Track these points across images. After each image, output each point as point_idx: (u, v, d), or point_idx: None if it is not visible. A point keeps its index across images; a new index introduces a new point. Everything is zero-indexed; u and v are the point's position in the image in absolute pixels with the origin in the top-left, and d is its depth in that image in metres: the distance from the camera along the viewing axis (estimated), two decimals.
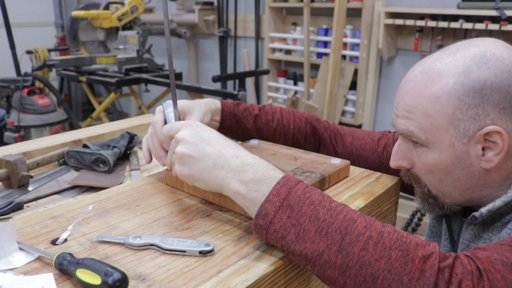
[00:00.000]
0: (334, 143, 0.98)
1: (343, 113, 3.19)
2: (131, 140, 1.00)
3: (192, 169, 0.65)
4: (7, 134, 3.11)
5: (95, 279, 0.50)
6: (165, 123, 0.79)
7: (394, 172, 0.84)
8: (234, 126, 0.92)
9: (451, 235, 0.81)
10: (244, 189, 0.60)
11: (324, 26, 3.22)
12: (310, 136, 0.97)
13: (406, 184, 0.81)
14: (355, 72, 3.03)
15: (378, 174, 0.86)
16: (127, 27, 3.45)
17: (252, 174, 0.60)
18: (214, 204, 0.73)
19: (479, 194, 0.71)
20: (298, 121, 0.96)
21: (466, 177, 0.69)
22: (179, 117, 0.80)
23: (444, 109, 0.66)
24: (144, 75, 3.15)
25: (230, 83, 3.98)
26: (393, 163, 0.76)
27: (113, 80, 3.06)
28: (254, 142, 0.96)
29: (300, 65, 3.39)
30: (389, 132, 0.97)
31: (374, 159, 0.94)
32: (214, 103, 0.89)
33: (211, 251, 0.58)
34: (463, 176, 0.69)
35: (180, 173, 0.66)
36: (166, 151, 0.77)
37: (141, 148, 1.10)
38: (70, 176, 0.90)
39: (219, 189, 0.64)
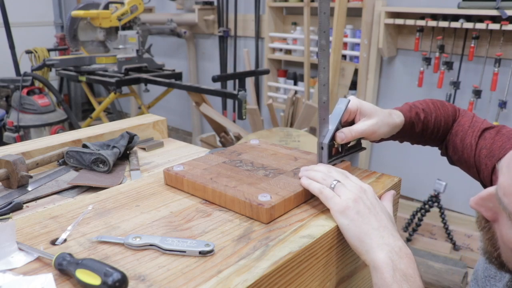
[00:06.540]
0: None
1: None
2: (131, 140, 1.00)
3: (354, 209, 0.65)
4: (6, 134, 3.11)
5: (95, 280, 0.50)
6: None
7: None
8: (406, 132, 0.90)
9: None
10: (389, 272, 0.60)
11: None
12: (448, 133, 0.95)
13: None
14: (355, 72, 3.02)
15: (378, 174, 0.85)
16: (127, 26, 3.45)
17: (405, 266, 0.60)
18: (214, 204, 0.73)
19: None
20: (442, 117, 0.93)
21: None
22: (349, 115, 0.82)
23: None
24: (144, 75, 3.15)
25: (230, 83, 3.98)
26: (473, 205, 0.62)
27: (112, 80, 3.06)
28: (254, 142, 0.96)
29: (300, 64, 3.39)
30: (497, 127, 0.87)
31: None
32: (399, 116, 0.86)
33: (211, 251, 0.58)
34: None
35: (342, 201, 0.66)
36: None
37: (141, 148, 1.10)
38: (70, 176, 0.90)
39: (362, 246, 0.63)
